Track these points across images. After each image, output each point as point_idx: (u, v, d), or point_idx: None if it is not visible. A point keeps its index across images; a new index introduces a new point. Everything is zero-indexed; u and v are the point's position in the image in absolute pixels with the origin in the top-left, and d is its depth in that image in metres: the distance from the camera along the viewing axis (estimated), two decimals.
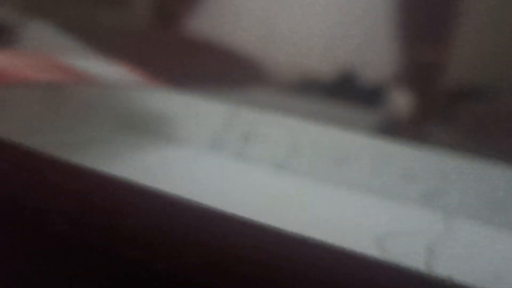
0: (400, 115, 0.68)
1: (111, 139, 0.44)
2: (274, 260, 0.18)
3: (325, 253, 0.19)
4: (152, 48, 0.70)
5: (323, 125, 0.44)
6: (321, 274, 0.17)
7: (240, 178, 0.42)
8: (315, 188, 0.42)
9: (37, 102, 0.38)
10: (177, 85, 0.47)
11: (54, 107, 0.39)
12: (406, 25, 0.70)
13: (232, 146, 0.45)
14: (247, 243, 0.18)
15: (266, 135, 0.44)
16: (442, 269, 0.30)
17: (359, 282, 0.17)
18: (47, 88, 0.37)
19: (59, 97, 0.39)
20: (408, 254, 0.32)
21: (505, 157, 0.42)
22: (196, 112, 0.46)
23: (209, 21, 0.77)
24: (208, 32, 0.76)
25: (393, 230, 0.35)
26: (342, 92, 0.73)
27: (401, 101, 0.70)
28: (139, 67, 0.45)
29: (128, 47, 0.66)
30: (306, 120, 0.45)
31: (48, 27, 0.39)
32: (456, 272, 0.31)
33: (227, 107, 0.46)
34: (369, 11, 0.74)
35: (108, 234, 0.20)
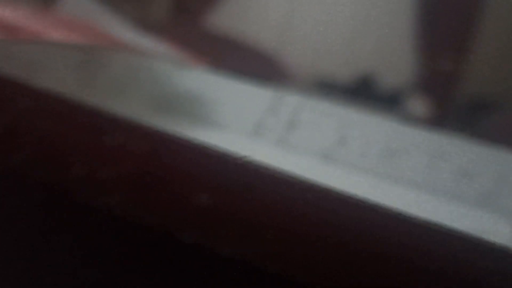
0: (417, 122, 0.66)
1: (143, 117, 0.41)
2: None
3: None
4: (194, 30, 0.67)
5: (372, 116, 0.42)
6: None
7: (284, 166, 0.39)
8: (363, 181, 0.39)
9: (71, 66, 0.35)
10: (218, 67, 0.44)
11: (88, 74, 0.36)
12: (426, 32, 0.68)
13: (275, 133, 0.42)
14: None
15: (313, 122, 0.41)
16: None
17: None
18: (81, 51, 0.34)
19: (93, 63, 0.36)
20: None
21: None
22: (237, 95, 0.43)
23: (235, 16, 0.76)
24: (234, 27, 0.74)
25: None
26: (359, 95, 0.72)
27: (419, 108, 0.68)
28: (181, 45, 0.43)
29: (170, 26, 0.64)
30: (354, 110, 0.42)
31: None
32: None
33: (269, 92, 0.43)
34: (390, 18, 0.72)
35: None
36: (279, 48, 0.73)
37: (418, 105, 0.68)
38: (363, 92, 0.72)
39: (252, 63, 0.68)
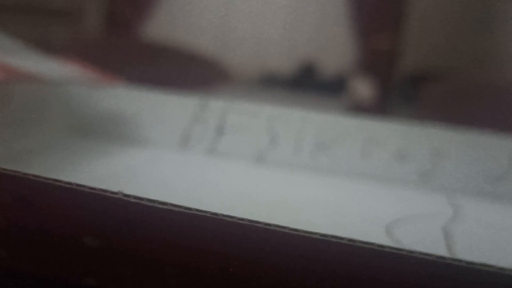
0: (362, 101, 0.66)
1: (65, 144, 0.38)
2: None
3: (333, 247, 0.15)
4: (106, 50, 0.65)
5: (300, 110, 0.40)
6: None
7: (216, 175, 0.37)
8: (301, 179, 0.38)
9: None
10: (134, 82, 0.42)
11: None
12: (359, 14, 0.68)
13: (204, 142, 0.40)
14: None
15: (241, 126, 0.40)
16: (463, 252, 0.26)
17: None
18: None
19: (0, 98, 0.34)
20: (426, 240, 0.28)
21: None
22: (160, 108, 0.41)
23: (165, 24, 0.74)
24: (164, 35, 0.72)
25: (401, 216, 0.31)
26: (304, 84, 0.71)
27: (361, 88, 0.68)
28: (92, 66, 0.40)
29: (80, 49, 0.62)
30: (281, 107, 0.40)
31: None
32: (477, 253, 0.27)
33: (193, 100, 0.41)
34: (324, 4, 0.72)
35: None
36: (218, 50, 0.72)
37: (361, 86, 0.67)
38: (305, 80, 0.72)
39: (191, 70, 0.66)
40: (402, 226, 0.29)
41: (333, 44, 0.74)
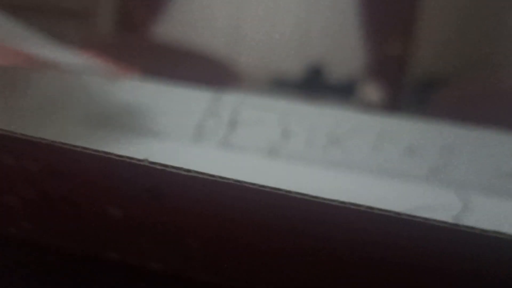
0: (372, 105, 0.66)
1: (81, 134, 0.39)
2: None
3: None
4: (121, 48, 0.66)
5: (314, 105, 0.41)
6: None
7: (229, 168, 0.38)
8: (313, 172, 0.38)
9: None
10: (149, 75, 0.43)
11: (11, 97, 0.34)
12: (371, 20, 0.69)
13: (217, 135, 0.41)
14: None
15: (254, 119, 0.41)
16: None
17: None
18: (4, 74, 0.33)
19: (16, 85, 0.35)
20: None
21: None
22: (174, 101, 0.42)
23: (178, 26, 0.75)
24: (177, 36, 0.73)
25: (409, 210, 0.31)
26: (314, 87, 0.72)
27: (372, 92, 0.68)
28: (108, 58, 0.41)
29: (97, 46, 0.63)
30: (295, 101, 0.41)
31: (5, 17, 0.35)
32: None
33: (207, 94, 0.42)
34: (335, 8, 0.73)
35: None
36: (229, 51, 0.73)
37: (370, 91, 0.68)
38: (315, 83, 0.72)
39: (202, 70, 0.67)
40: None
41: (344, 48, 0.74)
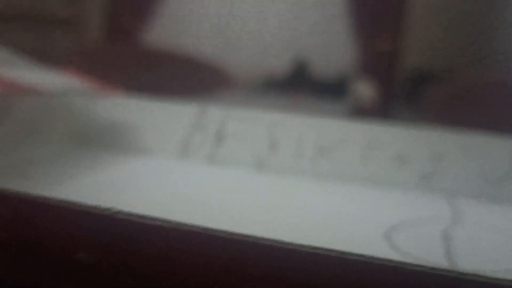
0: (363, 103, 0.66)
1: (66, 155, 0.39)
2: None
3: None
4: (106, 59, 0.66)
5: (300, 116, 0.40)
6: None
7: (217, 183, 0.37)
8: (301, 184, 0.38)
9: None
10: (134, 91, 0.43)
11: None
12: (360, 17, 0.68)
13: (204, 149, 0.40)
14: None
15: (241, 132, 0.40)
16: (461, 257, 0.26)
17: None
18: None
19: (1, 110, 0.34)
20: (424, 245, 0.28)
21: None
22: (159, 116, 0.41)
23: (165, 31, 0.75)
24: (165, 42, 0.73)
25: (400, 221, 0.31)
26: (304, 87, 0.71)
27: (363, 89, 0.68)
28: (91, 76, 0.41)
29: (80, 58, 0.62)
30: (281, 113, 0.40)
31: None
32: (476, 257, 0.27)
33: (192, 108, 0.41)
34: (323, 7, 0.72)
35: None
36: (219, 56, 0.72)
37: (362, 88, 0.67)
38: (305, 82, 0.72)
39: (192, 76, 0.67)
40: (401, 231, 0.29)
41: (334, 47, 0.74)
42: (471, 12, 0.62)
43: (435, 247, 0.27)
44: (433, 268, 0.13)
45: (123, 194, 0.32)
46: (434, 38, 0.64)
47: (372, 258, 0.14)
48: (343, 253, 0.13)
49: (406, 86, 0.67)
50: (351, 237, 0.28)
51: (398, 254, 0.26)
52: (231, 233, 0.14)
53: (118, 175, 0.36)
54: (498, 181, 0.37)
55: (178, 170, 0.39)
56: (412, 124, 0.40)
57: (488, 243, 0.30)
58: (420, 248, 0.27)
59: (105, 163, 0.38)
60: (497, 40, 0.62)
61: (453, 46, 0.63)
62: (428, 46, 0.66)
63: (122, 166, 0.38)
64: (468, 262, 0.26)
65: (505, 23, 0.58)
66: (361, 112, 0.67)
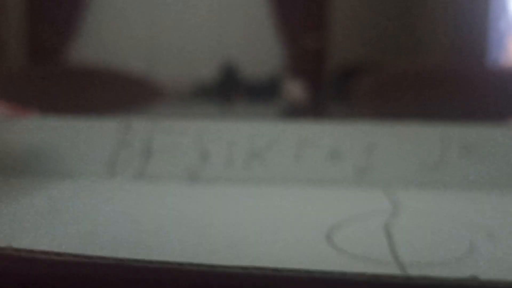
0: (295, 102, 0.65)
1: None
2: None
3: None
4: (24, 80, 0.63)
5: (229, 121, 0.39)
6: None
7: (148, 199, 0.35)
8: (236, 192, 0.36)
9: None
10: (53, 111, 0.40)
11: None
12: (284, 16, 0.68)
13: (132, 166, 0.38)
14: None
15: (169, 145, 0.38)
16: (405, 250, 0.26)
17: None
18: None
19: None
20: (367, 242, 0.27)
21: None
22: (80, 137, 0.39)
23: (89, 46, 0.72)
24: (89, 58, 0.70)
25: (340, 220, 0.30)
26: (235, 91, 0.70)
27: (293, 89, 0.68)
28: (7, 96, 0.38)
29: None
30: (209, 121, 0.39)
31: None
32: (418, 248, 0.27)
33: (115, 124, 0.39)
34: (249, 10, 0.72)
35: None
36: (145, 67, 0.70)
37: (293, 87, 0.67)
38: (235, 86, 0.71)
39: (118, 90, 0.64)
40: (342, 231, 0.28)
41: (262, 48, 0.73)
42: (395, 3, 0.63)
43: (378, 242, 0.27)
44: (376, 276, 0.12)
45: (47, 220, 0.29)
46: (360, 32, 0.65)
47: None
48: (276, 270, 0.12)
49: (337, 82, 0.67)
50: (292, 242, 0.26)
51: (343, 256, 0.25)
52: (148, 262, 0.12)
53: (40, 201, 0.33)
54: (432, 167, 0.37)
55: (105, 189, 0.36)
56: (345, 119, 0.39)
57: (428, 230, 0.30)
58: (363, 245, 0.26)
59: (26, 189, 0.35)
60: (422, 29, 0.62)
61: (380, 38, 0.63)
62: (355, 41, 0.66)
63: (45, 191, 0.36)
64: (411, 254, 0.25)
65: (430, 13, 0.59)
66: (294, 112, 0.67)
